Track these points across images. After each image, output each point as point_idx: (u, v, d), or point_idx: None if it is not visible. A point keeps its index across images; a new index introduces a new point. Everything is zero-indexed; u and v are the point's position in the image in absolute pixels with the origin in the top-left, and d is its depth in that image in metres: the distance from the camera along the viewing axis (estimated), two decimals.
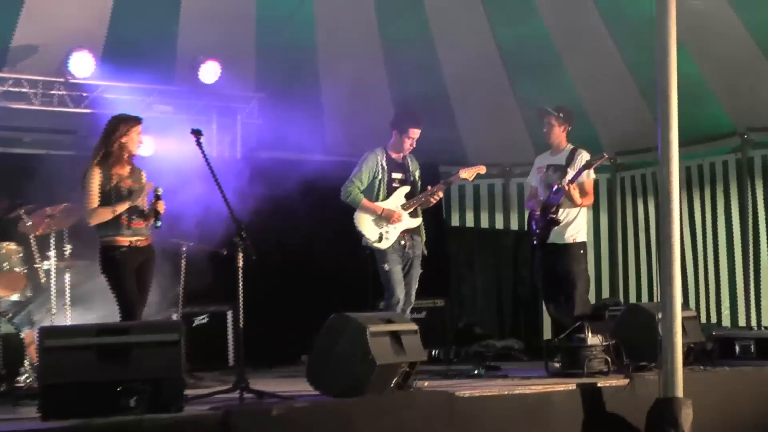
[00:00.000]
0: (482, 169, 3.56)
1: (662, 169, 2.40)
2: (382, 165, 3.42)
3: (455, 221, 5.58)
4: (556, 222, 3.46)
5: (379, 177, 3.41)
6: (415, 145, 3.43)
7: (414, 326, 2.69)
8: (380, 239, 3.33)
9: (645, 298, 4.99)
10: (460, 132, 5.15)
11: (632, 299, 5.08)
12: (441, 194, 3.42)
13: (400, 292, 3.30)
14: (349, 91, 4.48)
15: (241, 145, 4.52)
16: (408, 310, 3.31)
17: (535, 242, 3.57)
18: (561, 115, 3.54)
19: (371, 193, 3.43)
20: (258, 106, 4.48)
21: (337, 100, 4.64)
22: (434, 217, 4.45)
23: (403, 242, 3.39)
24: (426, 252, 3.44)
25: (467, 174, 3.50)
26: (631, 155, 4.80)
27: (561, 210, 3.45)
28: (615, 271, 5.22)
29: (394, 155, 3.48)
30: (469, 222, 5.62)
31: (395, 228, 3.38)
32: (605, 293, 5.02)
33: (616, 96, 4.51)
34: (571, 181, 3.41)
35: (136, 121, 2.75)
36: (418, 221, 3.48)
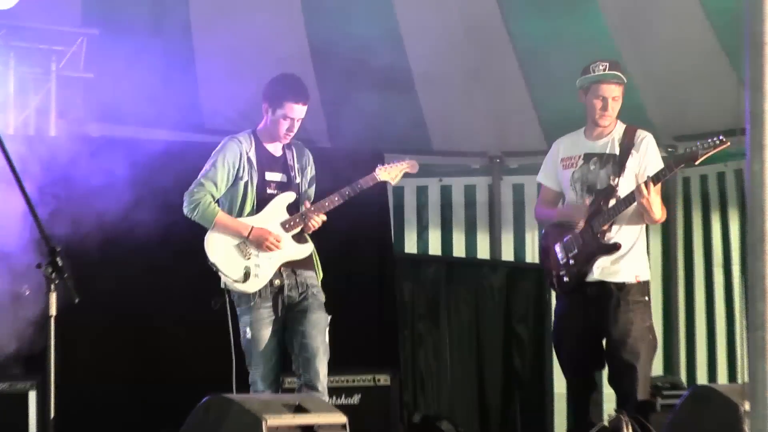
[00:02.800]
0: (410, 167, 3.61)
1: (752, 164, 2.00)
2: (248, 159, 3.46)
3: (410, 246, 5.80)
4: (615, 247, 3.40)
5: (245, 178, 3.45)
6: (294, 130, 3.46)
7: (341, 417, 2.76)
8: (245, 277, 3.38)
9: (722, 377, 5.13)
10: (420, 102, 5.54)
11: (701, 378, 5.25)
12: (323, 216, 3.43)
13: (265, 373, 3.33)
14: (241, 42, 4.87)
15: (57, 115, 4.50)
16: (321, 390, 3.30)
17: (563, 280, 3.55)
18: (624, 80, 3.52)
19: (233, 204, 3.48)
20: (87, 51, 4.48)
21: (221, 52, 5.01)
22: (374, 241, 4.85)
23: (278, 282, 3.43)
24: (323, 296, 3.47)
25: (387, 173, 3.55)
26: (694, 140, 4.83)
27: (614, 227, 3.44)
28: (672, 331, 5.37)
29: (268, 145, 3.53)
30: (434, 248, 5.84)
31: (270, 259, 3.43)
32: (657, 369, 5.04)
33: (681, 49, 4.89)
34: (656, 179, 3.33)
35: None
36: (307, 249, 3.52)
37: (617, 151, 3.52)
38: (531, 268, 5.52)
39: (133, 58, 4.49)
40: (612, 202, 3.49)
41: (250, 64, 4.81)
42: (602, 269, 3.48)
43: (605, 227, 3.44)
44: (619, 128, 3.59)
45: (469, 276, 5.53)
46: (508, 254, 5.79)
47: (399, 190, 5.76)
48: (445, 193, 5.88)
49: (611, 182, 3.47)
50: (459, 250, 5.82)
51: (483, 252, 5.81)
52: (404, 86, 5.36)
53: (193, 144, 4.49)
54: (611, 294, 3.45)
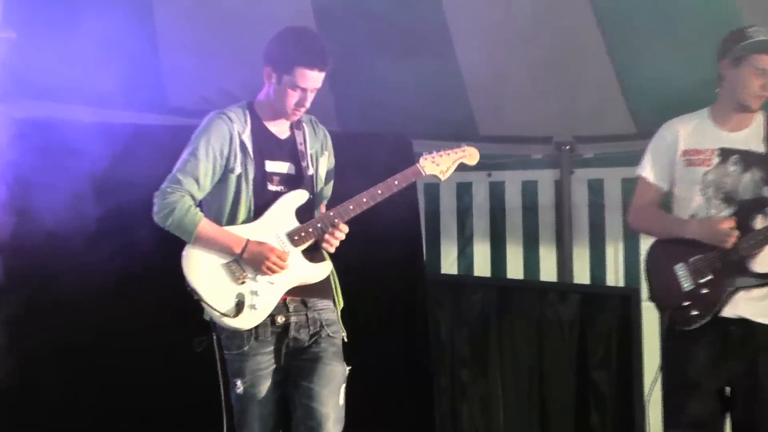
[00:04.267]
0: (469, 156, 3.66)
1: None
2: (242, 143, 3.47)
3: (449, 265, 5.85)
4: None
5: (237, 170, 3.45)
6: (306, 105, 3.46)
7: None
8: (238, 310, 3.37)
9: None
10: (462, 71, 5.52)
11: None
12: (345, 225, 3.47)
13: None
14: None
15: None
16: None
17: (690, 314, 3.54)
18: None
19: (221, 207, 3.50)
20: (5, 3, 4.30)
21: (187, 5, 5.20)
22: (400, 258, 4.94)
23: (282, 318, 3.46)
24: (342, 336, 3.53)
25: (435, 166, 3.57)
26: None
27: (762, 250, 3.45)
28: None
29: (270, 123, 3.55)
30: (481, 267, 5.87)
31: (272, 285, 3.44)
32: None
33: None
34: None
35: None
36: (323, 270, 3.52)
37: (764, 149, 3.52)
38: (614, 293, 5.52)
39: (71, 12, 4.70)
40: (762, 220, 3.51)
41: (230, 25, 4.99)
42: (748, 304, 3.49)
43: (756, 251, 3.45)
44: (759, 118, 3.59)
45: (528, 305, 5.52)
46: (581, 275, 5.78)
47: (433, 189, 5.78)
48: (496, 192, 5.90)
49: (764, 192, 3.49)
50: (515, 269, 5.82)
51: (548, 272, 5.82)
52: (439, 49, 5.39)
53: (154, 129, 4.63)
54: (761, 338, 3.46)
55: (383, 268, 4.80)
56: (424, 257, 5.31)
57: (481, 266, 5.88)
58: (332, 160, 3.61)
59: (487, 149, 5.42)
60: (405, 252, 5.00)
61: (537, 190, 5.88)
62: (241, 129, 3.45)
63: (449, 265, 5.87)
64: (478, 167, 5.65)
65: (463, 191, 5.91)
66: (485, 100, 5.56)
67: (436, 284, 5.37)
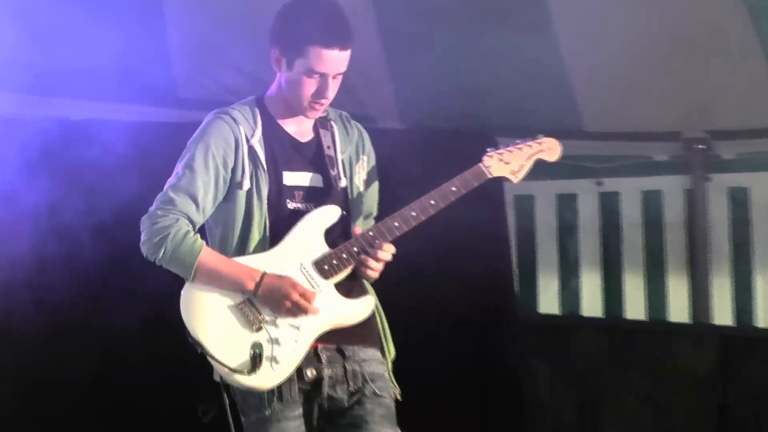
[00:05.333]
0: (548, 150, 3.62)
1: None
2: (251, 150, 3.47)
3: (548, 302, 5.91)
4: None
5: (247, 185, 3.46)
6: (329, 96, 3.44)
7: None
8: (254, 364, 3.35)
9: None
10: (562, 51, 5.48)
11: None
12: (390, 246, 3.44)
13: None
14: None
15: None
16: None
17: None
18: None
19: (227, 232, 3.49)
20: None
21: None
22: (481, 290, 5.15)
23: (312, 371, 3.43)
24: (398, 393, 3.51)
25: (503, 164, 3.56)
26: None
27: None
28: None
29: (286, 123, 3.55)
30: (590, 304, 5.91)
31: (297, 331, 3.41)
32: None
33: None
34: None
35: None
36: (364, 307, 3.48)
37: None
38: (766, 338, 5.54)
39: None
40: None
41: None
42: None
43: None
44: None
45: (653, 354, 5.53)
46: (723, 315, 5.73)
47: (526, 202, 5.82)
48: (608, 205, 5.90)
49: None
50: (635, 307, 5.84)
51: (678, 311, 5.80)
52: (533, 22, 5.35)
53: (163, 126, 4.81)
54: None
55: (458, 305, 4.94)
56: (515, 291, 5.42)
57: (591, 303, 5.91)
58: (372, 165, 3.62)
59: (596, 149, 5.74)
60: (489, 284, 5.13)
61: (662, 203, 5.86)
62: (250, 132, 3.46)
63: (548, 301, 5.93)
64: (586, 174, 5.92)
65: (566, 204, 5.93)
66: (593, 86, 5.55)
67: (531, 327, 5.46)
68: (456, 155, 4.60)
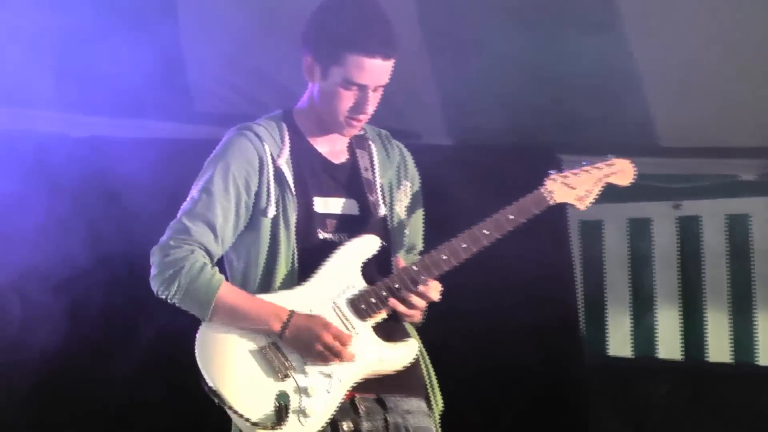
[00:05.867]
0: (620, 174, 3.61)
1: None
2: (278, 172, 3.48)
3: (619, 344, 5.98)
4: None
5: (272, 211, 3.46)
6: (369, 110, 3.43)
7: None
8: (280, 417, 3.34)
9: None
10: (635, 56, 5.43)
11: None
12: (437, 284, 3.44)
13: None
14: None
15: None
16: None
17: None
18: None
19: (250, 266, 3.49)
20: None
21: None
22: (542, 330, 5.20)
23: (350, 427, 3.41)
24: None
25: (567, 189, 3.56)
26: None
27: None
28: None
29: (317, 141, 3.55)
30: (668, 345, 5.94)
31: (330, 379, 3.40)
32: None
33: None
34: None
35: None
36: (407, 353, 3.46)
37: None
38: None
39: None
40: None
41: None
42: None
43: None
44: None
45: (739, 401, 5.54)
46: None
47: (593, 229, 5.90)
48: (688, 231, 5.94)
49: None
50: (720, 348, 5.86)
51: None
52: (602, 23, 5.32)
53: (176, 143, 5.00)
54: None
55: (515, 349, 4.98)
56: (582, 331, 5.52)
57: (669, 344, 5.93)
58: (416, 189, 3.62)
59: (673, 167, 5.76)
60: (550, 324, 5.17)
61: (749, 228, 5.91)
62: (276, 150, 3.46)
63: (620, 342, 5.96)
64: (662, 196, 6.09)
65: (639, 231, 5.97)
66: (669, 95, 5.50)
67: (600, 372, 5.52)
68: (512, 175, 4.85)
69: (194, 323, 3.42)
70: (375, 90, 3.38)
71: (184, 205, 3.44)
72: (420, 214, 3.61)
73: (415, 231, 3.59)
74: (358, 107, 3.39)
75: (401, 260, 3.44)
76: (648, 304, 5.93)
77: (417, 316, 3.42)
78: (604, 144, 5.04)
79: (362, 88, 3.37)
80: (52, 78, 5.05)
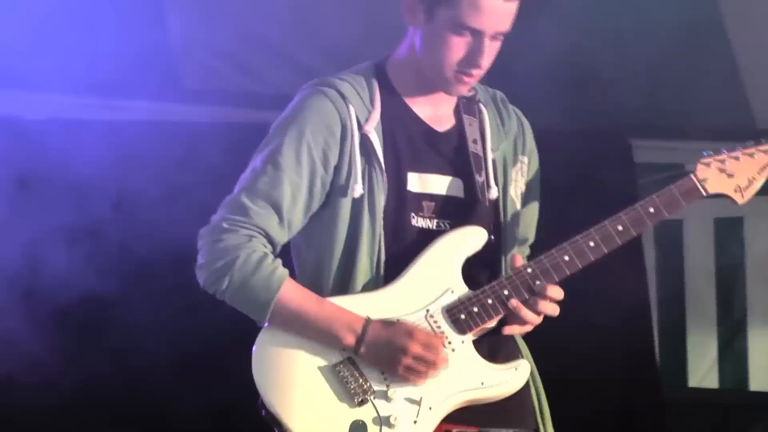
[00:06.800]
0: None
1: None
2: (363, 139, 3.48)
3: (702, 374, 6.15)
4: None
5: (358, 190, 3.47)
6: (484, 64, 3.38)
7: None
8: None
9: None
10: (728, 27, 5.66)
11: None
12: (558, 289, 3.44)
13: None
14: None
15: None
16: None
17: None
18: None
19: (323, 256, 3.48)
20: None
21: None
22: (609, 361, 5.43)
23: None
24: None
25: (724, 177, 3.54)
26: None
27: None
28: None
29: (415, 102, 3.54)
30: (763, 376, 6.14)
31: (417, 405, 3.40)
32: None
33: None
34: None
35: None
36: (517, 376, 3.44)
37: None
38: None
39: None
40: None
41: None
42: None
43: None
44: None
45: None
46: None
47: (670, 229, 5.96)
48: None
49: None
50: None
51: None
52: None
53: (166, 125, 5.23)
54: None
55: (581, 383, 5.06)
56: (657, 359, 5.69)
57: (765, 375, 6.06)
58: (536, 169, 3.60)
59: None
60: (619, 352, 5.33)
61: None
62: (364, 113, 3.43)
63: (704, 373, 6.08)
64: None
65: (728, 234, 6.10)
66: (766, 64, 5.69)
67: (680, 408, 5.68)
68: (577, 161, 4.65)
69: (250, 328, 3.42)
70: (493, 38, 3.30)
71: (243, 178, 3.43)
72: (536, 199, 3.60)
73: (529, 220, 3.58)
74: (470, 59, 3.33)
75: (520, 258, 3.42)
76: (739, 325, 6.02)
77: (527, 329, 3.43)
78: (689, 129, 5.58)
79: (477, 35, 3.30)
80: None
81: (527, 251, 3.55)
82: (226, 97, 5.58)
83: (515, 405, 3.41)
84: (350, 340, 3.31)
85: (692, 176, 3.44)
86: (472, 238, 3.43)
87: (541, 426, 3.50)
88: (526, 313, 3.35)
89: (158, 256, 5.07)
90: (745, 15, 5.64)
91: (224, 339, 4.32)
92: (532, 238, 3.59)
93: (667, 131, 5.65)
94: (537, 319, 3.36)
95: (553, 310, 3.36)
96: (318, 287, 3.40)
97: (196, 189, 4.86)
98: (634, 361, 5.36)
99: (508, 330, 3.40)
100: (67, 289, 5.12)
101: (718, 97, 5.65)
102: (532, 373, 3.45)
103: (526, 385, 3.44)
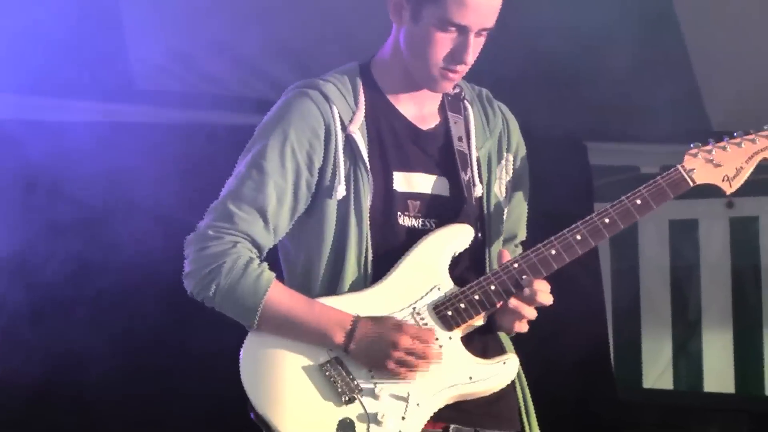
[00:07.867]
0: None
1: None
2: (349, 140, 3.49)
3: (654, 375, 6.18)
4: None
5: (341, 191, 3.48)
6: (469, 60, 3.41)
7: None
8: None
9: None
10: (681, 22, 5.70)
11: None
12: (545, 283, 3.44)
13: None
14: None
15: None
16: None
17: None
18: None
19: (312, 259, 3.50)
20: None
21: None
22: (568, 363, 5.54)
23: None
24: None
25: (712, 168, 3.55)
26: None
27: None
28: None
29: (399, 101, 3.56)
30: (718, 377, 6.16)
31: (404, 402, 3.41)
32: None
33: None
34: None
35: None
36: (504, 372, 3.46)
37: None
38: None
39: None
40: None
41: None
42: None
43: None
44: None
45: None
46: None
47: (623, 231, 6.00)
48: (743, 236, 6.11)
49: None
50: None
51: None
52: None
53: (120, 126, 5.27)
54: None
55: (538, 384, 5.06)
56: (612, 360, 5.71)
57: (719, 376, 6.06)
58: (522, 163, 3.61)
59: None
60: (574, 353, 5.36)
61: None
62: (348, 114, 3.44)
63: (659, 374, 6.09)
64: (711, 192, 5.92)
65: (682, 235, 6.14)
66: (720, 66, 5.71)
67: (634, 410, 5.75)
68: (539, 165, 4.72)
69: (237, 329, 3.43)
70: (478, 35, 3.33)
71: (228, 184, 3.43)
72: (523, 195, 3.61)
73: (516, 216, 3.58)
74: (456, 55, 3.36)
75: (507, 254, 3.43)
76: (694, 327, 6.03)
77: (519, 327, 3.41)
78: (641, 131, 5.56)
79: (462, 31, 3.33)
80: None
81: (519, 249, 3.56)
82: (180, 99, 5.59)
83: (500, 403, 3.44)
84: (340, 338, 3.33)
85: (679, 167, 3.46)
86: (458, 236, 3.45)
87: (525, 425, 3.52)
88: (515, 306, 3.37)
89: (117, 258, 5.13)
90: (701, 16, 5.71)
91: (213, 343, 4.34)
92: (522, 236, 3.61)
93: (623, 134, 5.74)
94: (528, 313, 3.37)
95: (545, 300, 3.37)
96: (307, 289, 3.42)
97: (153, 191, 5.01)
98: (589, 362, 5.40)
99: (518, 327, 3.41)
100: (20, 291, 5.23)
101: (674, 99, 5.65)
102: (518, 373, 3.47)
103: (512, 385, 3.46)
